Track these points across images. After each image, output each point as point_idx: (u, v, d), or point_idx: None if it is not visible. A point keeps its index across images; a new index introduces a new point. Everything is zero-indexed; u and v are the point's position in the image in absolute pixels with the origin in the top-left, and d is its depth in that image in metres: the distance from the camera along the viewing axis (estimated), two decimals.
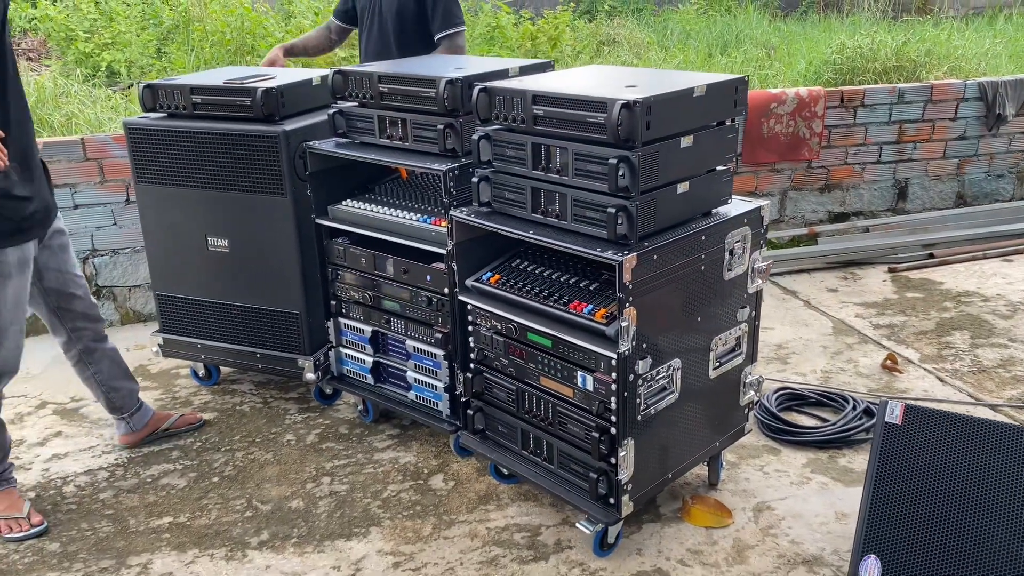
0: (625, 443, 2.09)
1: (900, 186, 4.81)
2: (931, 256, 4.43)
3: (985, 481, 1.91)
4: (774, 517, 2.41)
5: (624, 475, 2.11)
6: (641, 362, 2.06)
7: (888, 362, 3.30)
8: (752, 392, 2.48)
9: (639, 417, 2.11)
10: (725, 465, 2.60)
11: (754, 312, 2.39)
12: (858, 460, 2.67)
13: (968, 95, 4.74)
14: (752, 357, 2.45)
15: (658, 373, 2.13)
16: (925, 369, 3.28)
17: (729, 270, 2.25)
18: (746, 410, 2.50)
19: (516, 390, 2.34)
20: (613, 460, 2.11)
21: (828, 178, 4.65)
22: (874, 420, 2.66)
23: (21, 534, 2.38)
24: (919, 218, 4.76)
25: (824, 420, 2.91)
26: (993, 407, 2.99)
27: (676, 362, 2.17)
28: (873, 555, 1.93)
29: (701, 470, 2.57)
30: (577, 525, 2.22)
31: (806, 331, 3.65)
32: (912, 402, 2.91)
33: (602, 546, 2.25)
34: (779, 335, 3.61)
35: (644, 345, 2.06)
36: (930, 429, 2.00)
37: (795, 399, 3.03)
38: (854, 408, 2.88)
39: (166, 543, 2.35)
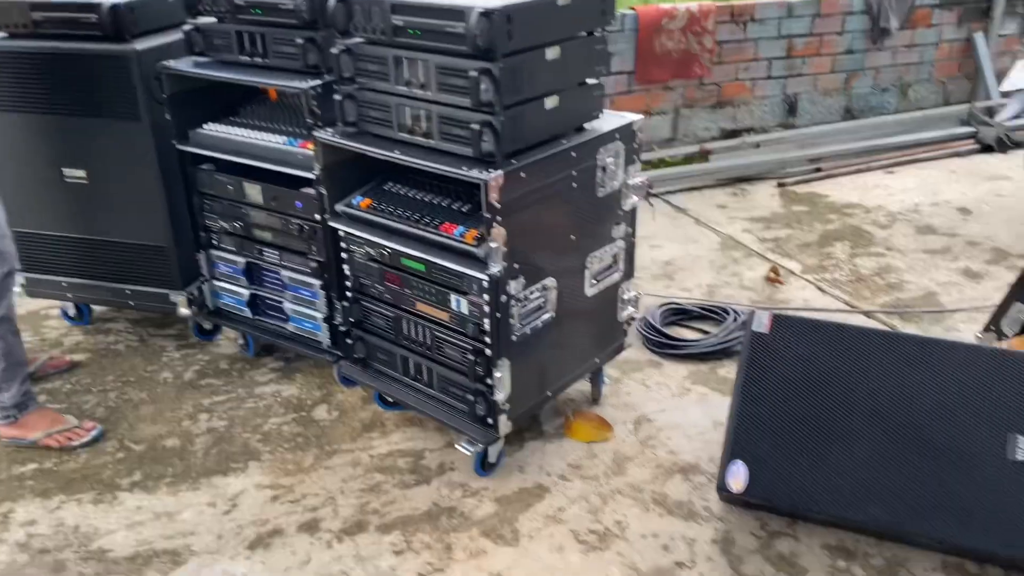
0: (500, 364, 2.07)
1: (790, 101, 4.87)
2: (818, 170, 4.53)
3: (848, 385, 1.97)
4: (653, 428, 2.46)
5: (501, 396, 2.10)
6: (513, 283, 2.03)
7: (771, 274, 3.37)
8: (630, 308, 2.49)
9: (514, 338, 2.09)
10: (608, 380, 2.63)
11: (630, 229, 2.38)
12: (730, 368, 2.74)
13: (855, 8, 4.78)
14: (629, 274, 2.45)
15: (532, 293, 2.10)
16: (806, 280, 3.37)
17: (602, 187, 2.22)
18: (625, 326, 2.52)
19: (394, 317, 2.29)
20: (489, 381, 2.10)
21: (720, 95, 4.66)
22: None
23: (85, 439, 2.40)
24: (807, 133, 4.84)
25: (706, 333, 2.97)
26: (867, 313, 3.10)
27: (550, 281, 2.15)
28: (740, 460, 1.99)
29: (584, 386, 2.59)
30: (457, 447, 2.21)
31: (695, 247, 3.69)
32: (788, 312, 2.99)
33: (483, 466, 2.25)
34: (668, 252, 3.65)
35: (516, 266, 2.02)
36: (795, 336, 2.05)
37: (679, 314, 3.07)
38: (735, 320, 2.94)
39: (29, 490, 2.25)
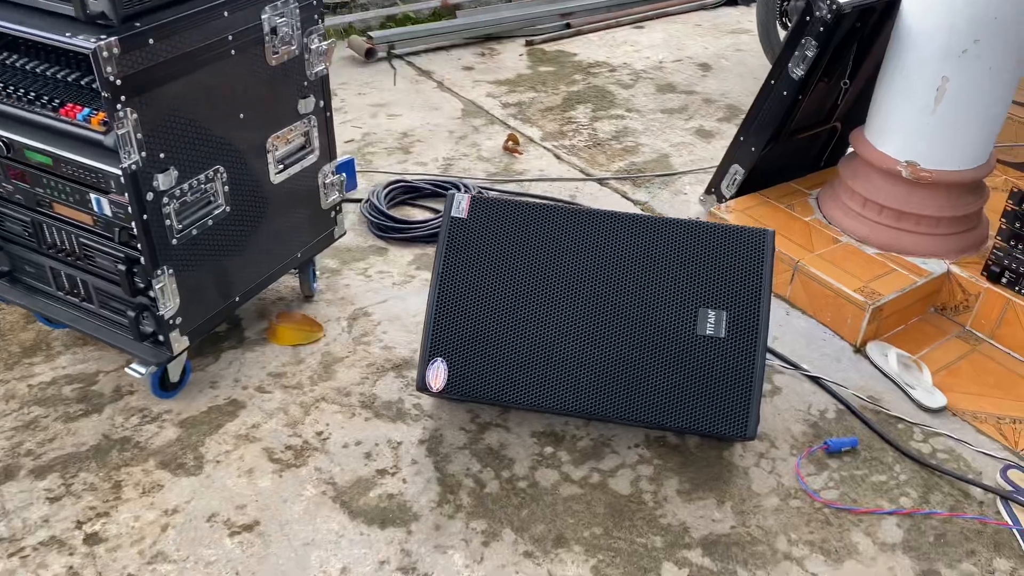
0: (159, 273, 1.76)
1: None
2: (568, 26, 4.35)
3: (543, 268, 1.85)
4: (370, 323, 2.27)
5: (167, 310, 1.80)
6: (161, 176, 1.69)
7: (509, 143, 3.21)
8: (336, 193, 2.23)
9: (174, 241, 1.77)
10: (322, 273, 2.39)
11: (323, 102, 2.08)
12: None
13: None
14: (330, 154, 2.17)
15: (192, 187, 1.78)
16: (544, 147, 3.24)
17: (275, 53, 1.88)
18: (333, 213, 2.26)
19: (31, 221, 1.89)
20: (152, 294, 1.79)
21: None
22: None
23: None
24: None
25: (436, 212, 2.77)
26: (600, 181, 3.02)
27: (218, 171, 1.83)
28: (440, 358, 1.84)
29: (296, 282, 2.34)
30: (126, 370, 1.91)
31: (435, 115, 3.44)
32: (498, 190, 2.85)
33: (164, 387, 1.98)
34: (407, 122, 3.38)
35: (162, 155, 1.68)
36: (492, 219, 1.88)
37: (409, 192, 2.85)
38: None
39: None
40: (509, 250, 1.86)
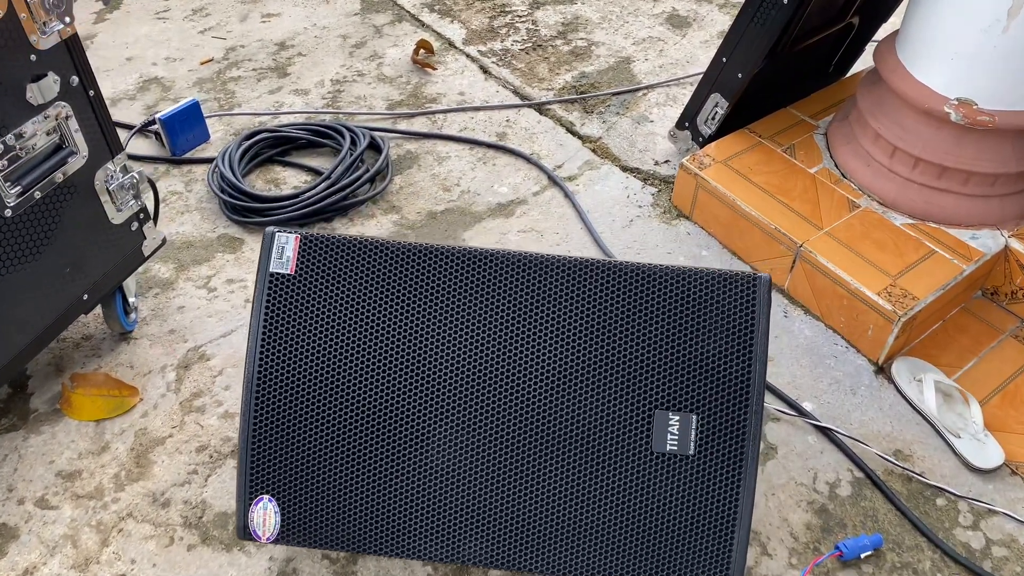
0: None
1: None
2: None
3: (423, 349, 1.20)
4: (207, 374, 1.64)
5: None
6: None
7: (419, 53, 2.43)
8: (131, 199, 1.53)
9: None
10: (148, 288, 1.73)
11: (76, 78, 1.34)
12: (355, 229, 1.91)
13: None
14: (109, 147, 1.45)
15: None
16: (468, 55, 2.47)
17: None
18: (135, 224, 1.57)
19: None
20: None
21: None
22: (380, 160, 1.90)
23: None
24: None
25: (317, 173, 2.06)
26: (540, 107, 2.29)
27: None
28: (266, 496, 1.22)
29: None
30: None
31: (325, 12, 2.63)
32: (425, 120, 2.13)
33: None
34: (285, 25, 2.57)
35: None
36: (337, 274, 1.21)
37: (279, 144, 2.12)
38: (352, 147, 2.04)
39: None
40: (367, 324, 1.20)
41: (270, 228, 1.23)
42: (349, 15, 2.62)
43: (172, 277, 1.81)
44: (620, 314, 1.17)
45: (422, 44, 2.43)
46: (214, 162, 2.01)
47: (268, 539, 1.22)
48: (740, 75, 1.86)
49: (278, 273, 1.21)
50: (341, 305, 1.20)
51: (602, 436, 1.17)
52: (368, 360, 1.19)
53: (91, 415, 1.55)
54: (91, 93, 1.38)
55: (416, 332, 1.19)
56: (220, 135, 2.17)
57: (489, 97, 2.31)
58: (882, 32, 2.41)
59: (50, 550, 1.38)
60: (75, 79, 1.35)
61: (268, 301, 1.20)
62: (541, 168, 2.08)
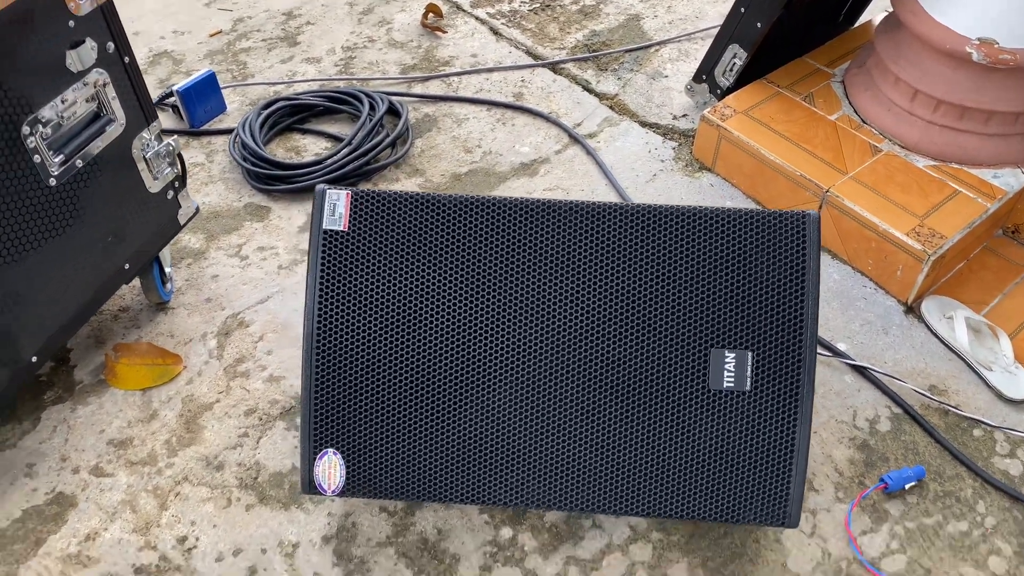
0: None
1: None
2: None
3: (481, 298, 1.22)
4: (248, 340, 1.65)
5: None
6: None
7: (428, 16, 2.42)
8: (167, 167, 1.53)
9: None
10: (181, 259, 1.74)
11: (111, 43, 1.34)
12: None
13: None
14: (144, 114, 1.45)
15: None
16: (476, 18, 2.46)
17: None
18: (171, 193, 1.57)
19: None
20: None
21: None
22: (400, 125, 1.90)
23: None
24: None
25: (339, 140, 2.06)
26: (554, 66, 2.29)
27: None
28: (331, 449, 1.24)
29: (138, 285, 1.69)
30: None
31: None
32: (440, 83, 2.12)
33: None
34: None
35: None
36: (392, 228, 1.22)
37: (297, 113, 2.11)
38: (372, 112, 2.04)
39: None
40: (422, 277, 1.22)
41: (320, 186, 1.23)
42: None
43: (203, 247, 1.81)
44: (673, 257, 1.19)
45: (431, 8, 2.42)
46: (234, 132, 2.00)
47: (333, 492, 1.25)
48: (759, 24, 1.87)
49: (332, 230, 1.22)
50: (395, 258, 1.21)
51: (660, 377, 1.19)
52: (424, 310, 1.21)
53: (136, 384, 1.56)
54: (126, 60, 1.38)
55: (470, 281, 1.21)
56: (236, 105, 2.16)
57: (502, 58, 2.31)
58: None
59: (109, 516, 1.39)
60: (111, 45, 1.34)
61: (323, 257, 1.21)
62: (561, 126, 2.08)
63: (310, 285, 1.21)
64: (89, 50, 1.29)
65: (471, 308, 1.21)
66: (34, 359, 1.37)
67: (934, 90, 1.75)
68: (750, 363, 1.18)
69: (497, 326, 1.21)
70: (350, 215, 1.22)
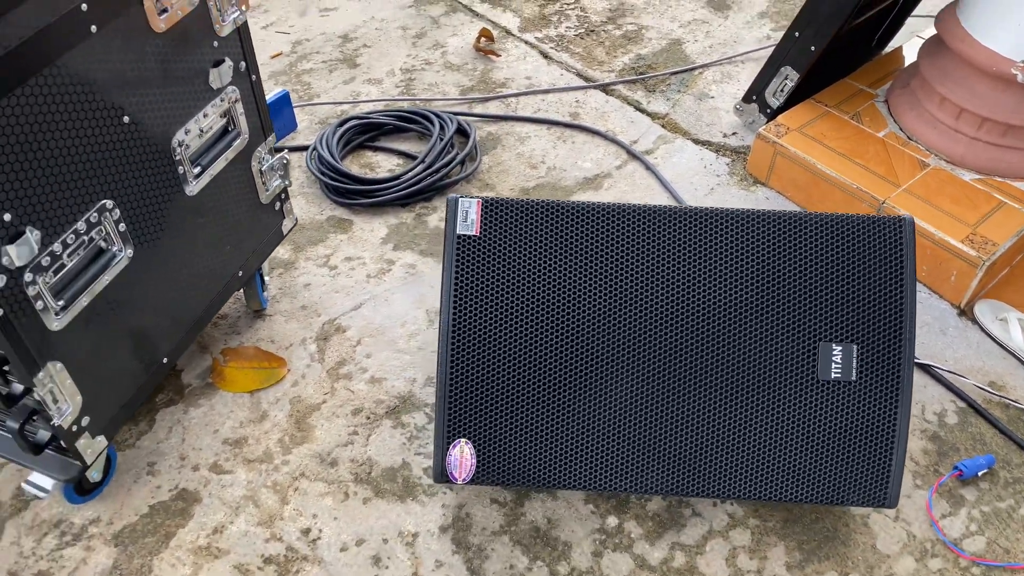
0: (42, 376, 1.19)
1: None
2: None
3: (605, 298, 1.31)
4: (347, 344, 1.73)
5: (63, 416, 1.25)
6: (14, 248, 1.08)
7: (481, 41, 2.53)
8: (277, 179, 1.62)
9: (56, 325, 1.19)
10: (272, 269, 1.82)
11: (244, 63, 1.43)
12: None
13: None
14: (263, 129, 1.54)
15: (68, 244, 1.17)
16: (526, 42, 2.58)
17: (162, 12, 1.22)
18: (278, 204, 1.65)
19: None
20: (39, 397, 1.23)
21: None
22: (470, 143, 1.99)
23: None
24: None
25: (410, 157, 2.16)
26: (605, 87, 2.41)
27: (105, 208, 1.22)
28: (462, 439, 1.33)
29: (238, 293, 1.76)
30: (23, 485, 1.37)
31: (380, 4, 2.72)
32: (499, 104, 2.22)
33: (82, 492, 1.45)
34: (346, 18, 2.66)
35: (7, 216, 1.07)
36: (520, 233, 1.32)
37: (368, 131, 2.21)
38: (442, 132, 2.14)
39: None
40: (549, 278, 1.31)
41: (452, 195, 1.33)
42: (404, 7, 2.71)
43: (292, 258, 1.89)
44: (782, 259, 1.30)
45: (483, 32, 2.53)
46: (311, 148, 2.09)
47: (464, 479, 1.33)
48: (813, 48, 2.00)
49: (465, 235, 1.31)
50: (523, 259, 1.31)
51: (772, 369, 1.29)
52: (549, 307, 1.30)
53: (244, 387, 1.63)
54: (253, 78, 1.47)
55: (592, 280, 1.30)
56: (305, 124, 2.25)
57: (555, 80, 2.42)
58: (921, 8, 2.57)
59: (233, 510, 1.46)
60: (243, 64, 1.43)
61: (457, 260, 1.30)
62: (619, 144, 2.19)
63: (445, 285, 1.31)
64: (227, 68, 1.38)
65: (592, 306, 1.30)
66: (165, 360, 1.44)
67: (979, 109, 1.88)
68: (855, 355, 1.29)
69: (617, 322, 1.30)
70: (481, 221, 1.31)
